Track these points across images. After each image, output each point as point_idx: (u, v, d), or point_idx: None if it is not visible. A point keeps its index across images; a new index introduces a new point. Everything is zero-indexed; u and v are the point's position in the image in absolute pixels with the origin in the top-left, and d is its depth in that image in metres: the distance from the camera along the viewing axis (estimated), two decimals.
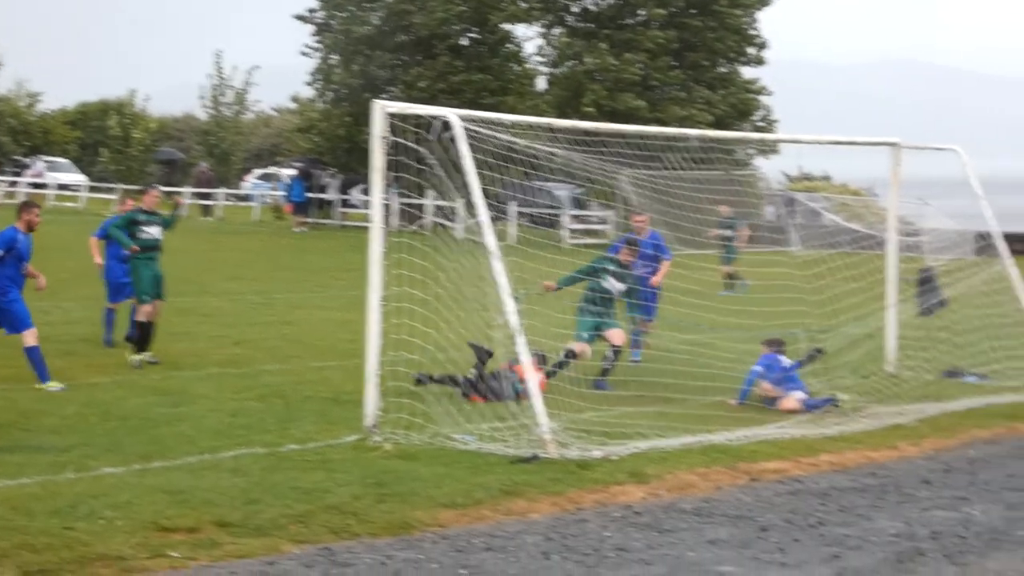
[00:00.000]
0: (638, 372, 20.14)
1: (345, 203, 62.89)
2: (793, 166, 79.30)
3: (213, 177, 71.79)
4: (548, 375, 18.55)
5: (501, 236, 15.94)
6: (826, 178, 77.55)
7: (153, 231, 20.65)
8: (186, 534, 11.11)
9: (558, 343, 18.04)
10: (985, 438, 17.40)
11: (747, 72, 66.70)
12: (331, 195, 63.35)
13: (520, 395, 16.34)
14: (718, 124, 58.49)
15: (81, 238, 24.25)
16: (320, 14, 65.63)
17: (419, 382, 17.41)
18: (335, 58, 64.41)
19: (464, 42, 63.87)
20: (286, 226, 60.27)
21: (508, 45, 65.52)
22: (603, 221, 53.38)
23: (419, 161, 15.95)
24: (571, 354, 19.17)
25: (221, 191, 68.88)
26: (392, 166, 15.97)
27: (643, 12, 63.01)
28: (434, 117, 16.08)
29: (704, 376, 18.83)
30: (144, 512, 11.58)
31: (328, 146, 65.69)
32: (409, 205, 49.77)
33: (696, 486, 13.87)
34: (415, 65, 62.44)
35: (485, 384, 17.54)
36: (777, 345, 19.47)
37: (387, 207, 16.36)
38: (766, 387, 18.90)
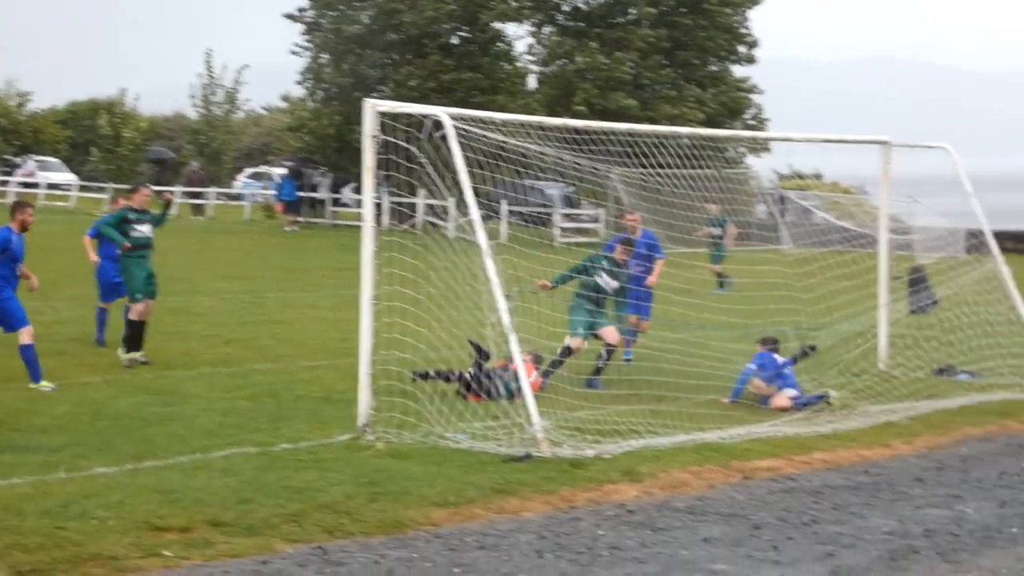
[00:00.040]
0: (631, 371, 20.13)
1: (336, 202, 62.90)
2: (784, 164, 79.34)
3: (204, 177, 71.70)
4: (545, 375, 18.57)
5: (492, 235, 15.93)
6: (817, 176, 77.58)
7: (144, 229, 20.61)
8: (179, 533, 11.09)
9: (551, 342, 18.02)
10: (978, 436, 17.43)
11: (738, 71, 66.79)
12: (322, 194, 63.35)
13: (513, 394, 16.33)
14: (709, 123, 58.49)
15: (71, 238, 24.26)
16: (310, 13, 65.58)
17: (418, 377, 17.41)
18: (325, 57, 64.35)
19: (454, 41, 63.83)
20: (277, 225, 60.23)
21: (498, 44, 65.50)
22: (594, 220, 53.40)
23: (410, 160, 15.94)
24: (567, 351, 19.17)
25: (212, 190, 68.82)
26: (383, 165, 15.95)
27: (634, 11, 63.03)
28: (425, 116, 16.06)
29: (697, 375, 18.84)
30: (136, 512, 11.56)
31: (319, 145, 65.63)
32: (400, 204, 49.72)
33: (689, 484, 13.87)
34: (405, 64, 62.40)
35: (482, 383, 17.51)
36: (771, 343, 19.48)
37: (378, 206, 16.34)
38: (759, 384, 18.90)
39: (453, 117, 15.86)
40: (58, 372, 18.73)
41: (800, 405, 18.49)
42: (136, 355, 20.28)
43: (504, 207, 45.57)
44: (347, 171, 62.14)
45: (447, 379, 17.97)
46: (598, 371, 19.62)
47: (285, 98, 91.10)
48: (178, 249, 39.10)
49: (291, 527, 11.46)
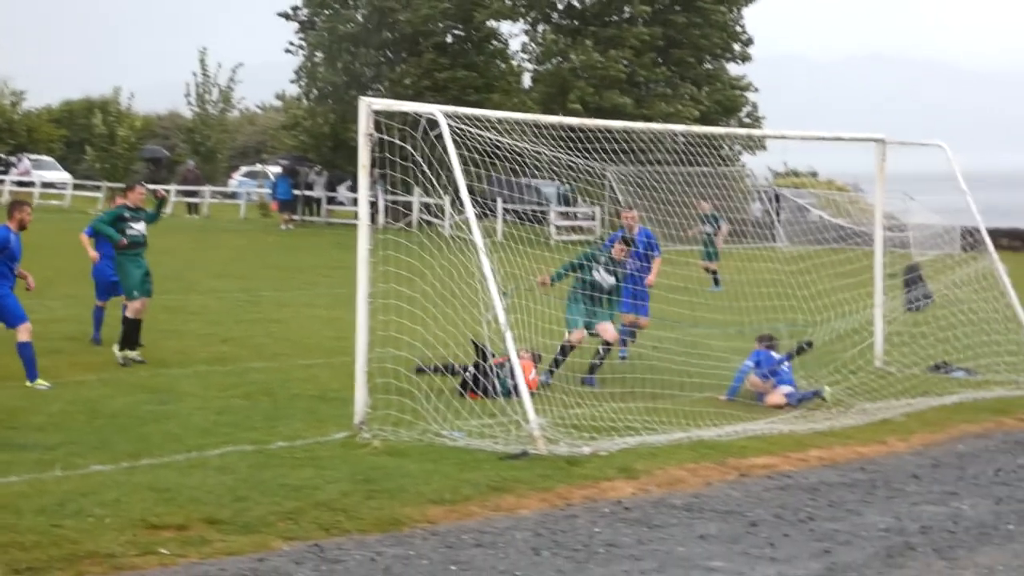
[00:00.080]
0: (627, 368, 20.12)
1: (331, 200, 62.87)
2: (779, 162, 79.36)
3: (200, 175, 71.66)
4: (548, 372, 18.59)
5: (488, 233, 15.92)
6: (812, 174, 77.58)
7: (139, 227, 20.61)
8: (175, 531, 11.09)
9: (547, 339, 18.01)
10: (974, 433, 17.43)
11: (733, 68, 66.78)
12: (317, 193, 63.33)
13: (510, 392, 16.31)
14: (704, 120, 58.47)
15: (66, 236, 24.24)
16: (304, 11, 65.56)
17: (420, 371, 17.41)
18: (320, 56, 64.32)
19: (449, 39, 63.84)
20: (273, 224, 60.20)
21: (493, 42, 65.51)
22: (590, 217, 53.40)
23: (405, 158, 15.93)
24: (569, 346, 19.17)
25: (207, 189, 68.78)
26: (378, 163, 15.95)
27: (628, 9, 62.98)
28: (419, 114, 16.05)
29: (693, 372, 18.84)
30: (133, 509, 11.55)
31: (313, 143, 65.59)
32: (395, 202, 49.72)
33: (686, 482, 13.87)
34: (400, 62, 62.40)
35: (479, 381, 17.49)
36: (768, 341, 19.49)
37: (373, 204, 16.33)
38: (755, 380, 18.90)
39: (448, 115, 15.85)
40: (53, 370, 18.70)
41: (795, 402, 18.50)
42: (132, 354, 20.26)
43: (500, 205, 45.56)
44: (342, 169, 62.14)
45: (452, 372, 17.99)
46: (594, 368, 19.61)
47: (280, 97, 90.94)
48: (174, 248, 39.06)
49: (287, 525, 11.46)
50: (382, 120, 15.79)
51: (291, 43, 65.82)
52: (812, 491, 13.65)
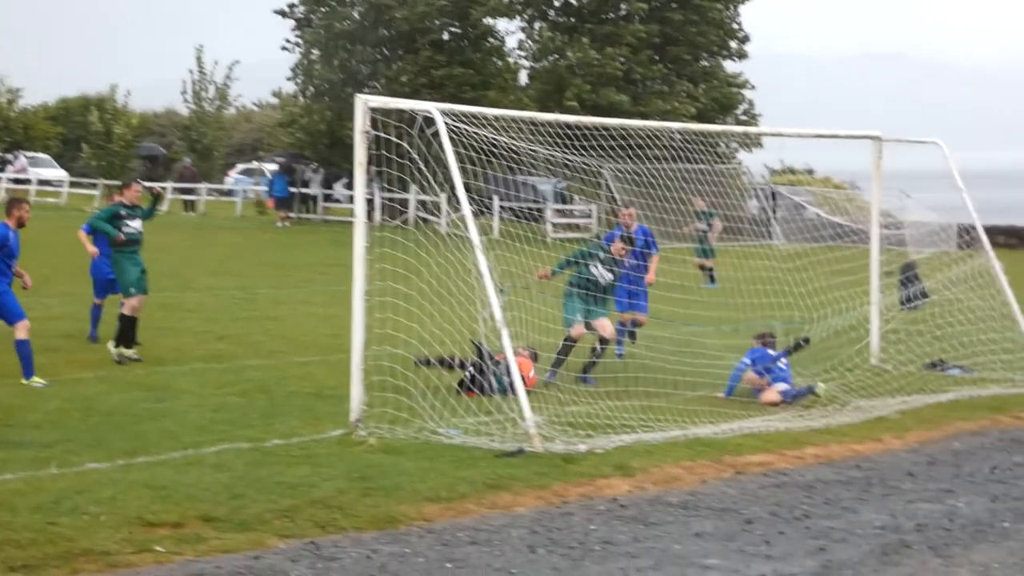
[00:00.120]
0: (623, 366, 20.13)
1: (328, 198, 62.85)
2: (776, 160, 79.43)
3: (196, 173, 71.62)
4: (552, 371, 18.59)
5: (484, 230, 15.92)
6: (809, 172, 77.62)
7: (136, 225, 20.62)
8: (171, 529, 11.09)
9: (543, 337, 18.00)
10: (969, 430, 17.44)
11: (729, 66, 66.74)
12: (314, 190, 63.31)
13: (507, 389, 16.31)
14: (701, 118, 58.43)
15: (62, 234, 24.22)
16: (301, 9, 65.52)
17: (420, 364, 17.41)
18: (316, 53, 64.27)
19: (445, 36, 63.79)
20: (269, 221, 60.19)
21: (490, 39, 65.44)
22: (586, 215, 53.39)
23: (401, 156, 15.93)
24: (570, 340, 19.16)
25: (203, 186, 68.75)
26: (374, 160, 15.93)
27: (625, 6, 62.97)
28: (416, 111, 16.05)
29: (689, 370, 18.84)
30: (128, 507, 11.55)
31: (310, 141, 65.53)
32: (392, 200, 49.68)
33: (682, 479, 13.87)
34: (396, 59, 62.36)
35: (476, 380, 17.49)
36: (766, 338, 19.49)
37: (370, 202, 16.31)
38: (751, 376, 18.90)
39: (444, 112, 15.84)
40: (50, 368, 18.69)
41: (789, 399, 18.50)
42: (128, 352, 20.26)
43: (496, 202, 45.56)
44: (338, 167, 62.09)
45: (449, 366, 17.99)
46: (591, 366, 19.60)
47: (276, 94, 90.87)
48: (170, 245, 39.06)
49: (283, 522, 11.46)
50: (378, 117, 15.79)
51: (287, 40, 65.82)
52: (808, 488, 13.66)
